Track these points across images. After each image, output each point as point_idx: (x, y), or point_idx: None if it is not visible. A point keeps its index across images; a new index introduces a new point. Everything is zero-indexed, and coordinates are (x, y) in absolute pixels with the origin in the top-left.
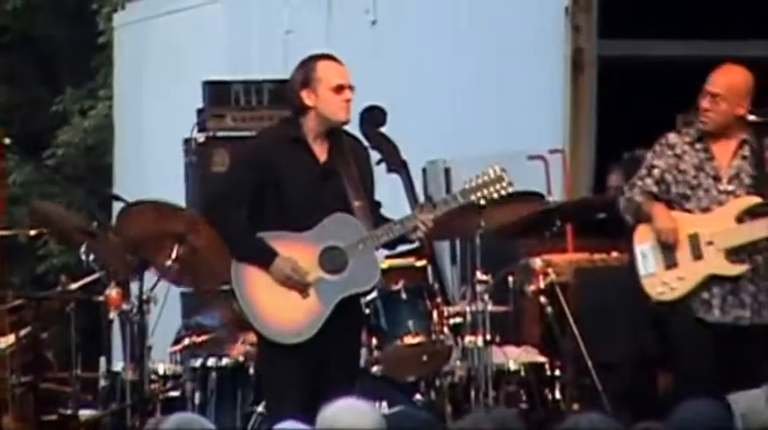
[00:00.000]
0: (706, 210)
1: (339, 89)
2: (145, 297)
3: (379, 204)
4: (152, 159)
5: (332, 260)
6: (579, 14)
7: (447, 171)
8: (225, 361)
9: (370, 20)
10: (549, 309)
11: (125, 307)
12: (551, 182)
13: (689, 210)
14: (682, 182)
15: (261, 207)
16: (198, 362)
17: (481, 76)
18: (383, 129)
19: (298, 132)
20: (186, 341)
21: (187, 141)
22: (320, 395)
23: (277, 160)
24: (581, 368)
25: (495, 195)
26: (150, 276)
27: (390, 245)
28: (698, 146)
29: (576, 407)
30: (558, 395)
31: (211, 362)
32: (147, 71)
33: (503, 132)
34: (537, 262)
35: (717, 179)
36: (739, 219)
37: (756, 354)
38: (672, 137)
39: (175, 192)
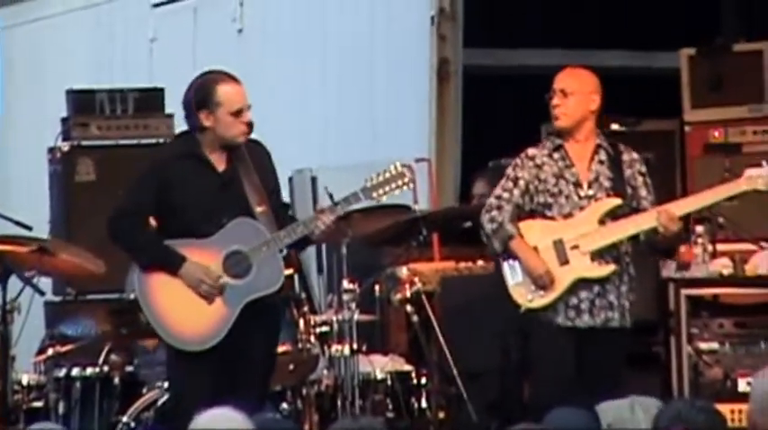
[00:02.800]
0: (568, 215)
1: (239, 113)
2: (8, 306)
3: (286, 206)
4: (18, 169)
5: (236, 264)
6: (445, 24)
7: (314, 180)
8: (89, 371)
9: (237, 28)
10: (415, 318)
11: None
12: (417, 191)
13: (552, 218)
14: (543, 191)
15: (164, 224)
16: (62, 373)
17: (348, 84)
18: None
19: (194, 147)
20: (50, 351)
21: (51, 150)
22: (230, 401)
23: (175, 176)
24: (447, 376)
25: (397, 192)
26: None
27: (295, 245)
28: (556, 155)
29: (441, 415)
30: (423, 403)
31: (75, 372)
32: (11, 80)
33: (370, 141)
34: (403, 271)
35: (577, 185)
36: (601, 222)
37: (620, 358)
38: (531, 150)
39: (42, 202)
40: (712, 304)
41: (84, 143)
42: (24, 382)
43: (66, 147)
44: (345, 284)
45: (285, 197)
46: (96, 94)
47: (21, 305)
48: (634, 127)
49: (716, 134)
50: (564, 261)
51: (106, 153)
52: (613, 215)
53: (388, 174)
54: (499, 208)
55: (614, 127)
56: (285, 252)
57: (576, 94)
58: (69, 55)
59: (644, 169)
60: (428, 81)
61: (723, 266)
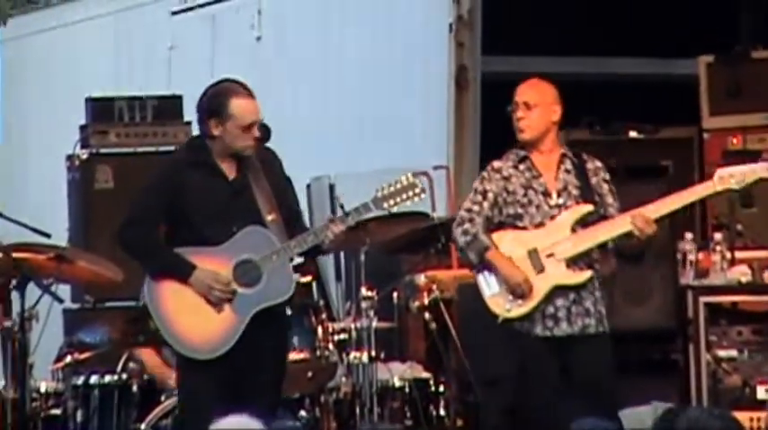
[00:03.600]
0: (540, 225)
1: (249, 127)
2: (26, 314)
3: (298, 213)
4: (36, 176)
5: (246, 273)
6: (463, 31)
7: (332, 187)
8: (107, 378)
9: (255, 36)
10: (433, 325)
11: (6, 324)
12: (435, 198)
13: (523, 228)
14: (512, 203)
15: (174, 232)
16: (80, 380)
17: (366, 91)
18: (268, 145)
19: (204, 154)
20: (68, 358)
21: (70, 158)
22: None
23: (186, 183)
24: (465, 383)
25: (409, 202)
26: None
27: (306, 254)
28: (521, 167)
29: (460, 423)
30: (442, 411)
31: (94, 379)
32: (30, 87)
33: (387, 148)
34: (421, 278)
35: (546, 194)
36: (573, 229)
37: (605, 362)
38: (496, 163)
39: (60, 210)
40: (731, 312)
41: (103, 151)
42: (42, 390)
43: (84, 154)
44: (363, 292)
45: (303, 204)
46: (115, 102)
47: (39, 312)
48: (652, 134)
49: (734, 141)
50: (540, 269)
51: (124, 160)
52: (584, 222)
53: (399, 185)
54: (471, 220)
55: (632, 134)
56: (303, 259)
57: (538, 105)
58: (88, 62)
59: (608, 177)
60: (446, 88)
61: (741, 274)
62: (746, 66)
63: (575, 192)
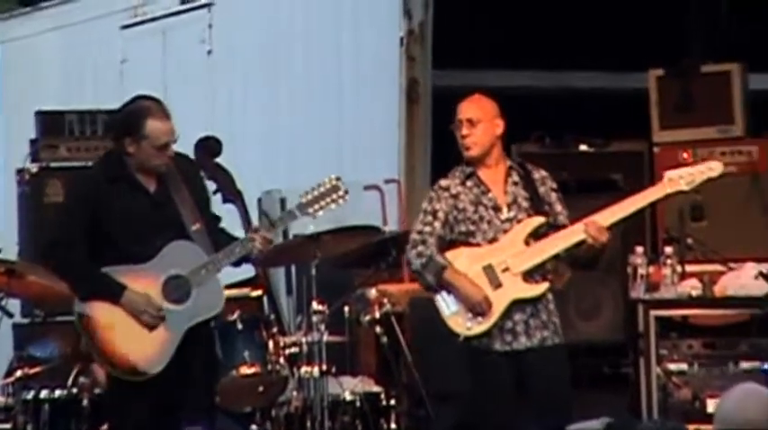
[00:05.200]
0: (493, 240)
1: (164, 147)
2: None
3: (218, 219)
4: None
5: (175, 289)
6: (414, 45)
7: (283, 201)
8: (58, 393)
9: (206, 49)
10: (384, 339)
11: None
12: (387, 212)
13: (476, 245)
14: (463, 220)
15: (98, 247)
16: (30, 395)
17: (317, 105)
18: (218, 159)
19: (122, 168)
20: (18, 373)
21: (20, 172)
22: (173, 426)
23: (105, 198)
24: (416, 398)
25: (333, 206)
26: None
27: (235, 264)
28: (469, 183)
29: None
30: (393, 425)
31: (44, 394)
32: None
33: (339, 162)
34: (372, 292)
35: (497, 209)
36: (527, 242)
37: (562, 374)
38: (443, 181)
39: (10, 224)
40: (681, 325)
41: (53, 164)
42: None
43: (34, 168)
44: (315, 305)
45: (254, 218)
46: (65, 116)
47: None
48: (603, 148)
49: (685, 155)
50: (497, 285)
51: (75, 175)
52: (536, 234)
53: (322, 189)
54: (424, 242)
55: (582, 148)
56: (255, 273)
57: (482, 121)
58: (39, 77)
59: (555, 185)
60: (397, 102)
61: (692, 287)
62: (696, 79)
63: (524, 203)
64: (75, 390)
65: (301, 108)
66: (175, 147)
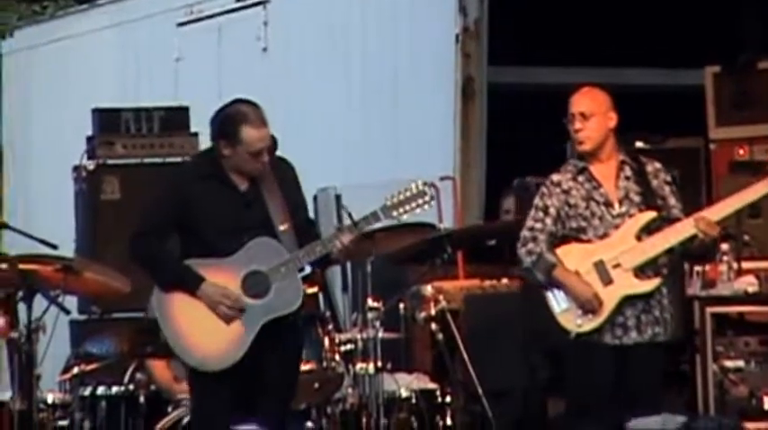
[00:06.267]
0: (604, 236)
1: (258, 153)
2: (33, 325)
3: (312, 222)
4: (41, 187)
5: (255, 285)
6: (469, 42)
7: (338, 198)
8: (114, 389)
9: (261, 47)
10: (439, 336)
11: (13, 335)
12: (442, 209)
13: (588, 241)
14: (575, 216)
15: (185, 243)
16: (87, 391)
17: (372, 103)
18: (282, 155)
19: (215, 166)
20: (75, 369)
21: (77, 169)
22: (250, 421)
23: (196, 195)
24: (471, 394)
25: (418, 210)
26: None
27: (315, 264)
28: (581, 178)
29: None
30: (449, 422)
31: (101, 390)
32: (36, 98)
33: (394, 159)
34: (428, 289)
35: (608, 205)
36: (638, 237)
37: (661, 371)
38: (555, 176)
39: (67, 221)
40: (738, 322)
41: (110, 162)
42: (50, 401)
43: (91, 165)
44: (370, 302)
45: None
46: (122, 113)
47: (46, 324)
48: (659, 144)
49: (741, 152)
50: (608, 281)
51: (131, 171)
52: (648, 229)
53: (408, 193)
54: (534, 239)
55: (639, 144)
56: (310, 270)
57: (595, 115)
58: (95, 74)
59: (669, 178)
60: (453, 99)
61: (748, 284)
62: (752, 76)
63: (636, 198)
64: (131, 387)
65: (357, 105)
66: None
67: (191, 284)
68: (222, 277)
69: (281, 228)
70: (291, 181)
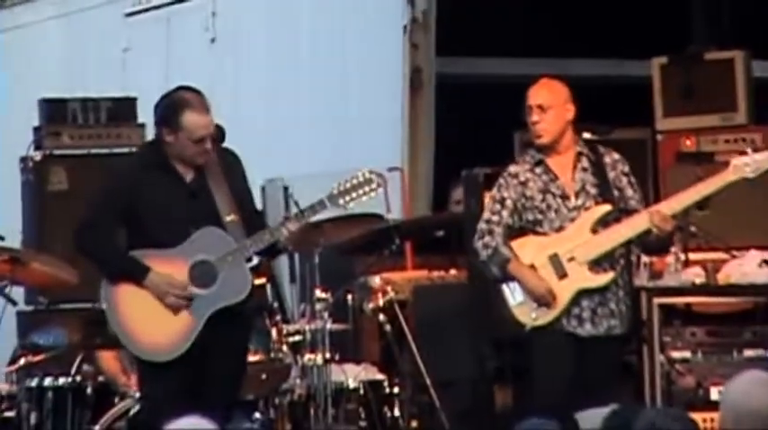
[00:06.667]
0: (560, 229)
1: (200, 140)
2: None
3: (259, 213)
4: None
5: (202, 274)
6: (417, 33)
7: (286, 188)
8: (62, 380)
9: (209, 37)
10: (387, 327)
11: None
12: (390, 200)
13: (544, 234)
14: (531, 208)
15: (132, 234)
16: (34, 382)
17: (320, 93)
18: (227, 146)
19: (161, 157)
20: (22, 361)
21: (23, 160)
22: (200, 411)
23: (142, 185)
24: (420, 385)
25: (365, 198)
26: None
27: (263, 253)
28: (538, 170)
29: (414, 424)
30: (396, 412)
31: (48, 381)
32: None
33: (342, 150)
34: (376, 280)
35: (564, 197)
36: (594, 230)
37: (618, 364)
38: (512, 168)
39: (14, 212)
40: (685, 313)
41: (57, 152)
42: None
43: (38, 156)
44: (318, 293)
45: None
46: (69, 104)
47: None
48: (606, 135)
49: (688, 143)
50: (562, 275)
51: (78, 162)
52: (604, 222)
53: (355, 181)
54: (490, 232)
55: (586, 135)
56: (258, 261)
57: (553, 107)
58: (42, 64)
59: (627, 169)
60: (401, 90)
61: (695, 275)
62: (700, 67)
63: (593, 191)
64: (78, 378)
65: (305, 96)
66: None
67: (137, 275)
68: (169, 267)
69: (228, 218)
70: (237, 171)
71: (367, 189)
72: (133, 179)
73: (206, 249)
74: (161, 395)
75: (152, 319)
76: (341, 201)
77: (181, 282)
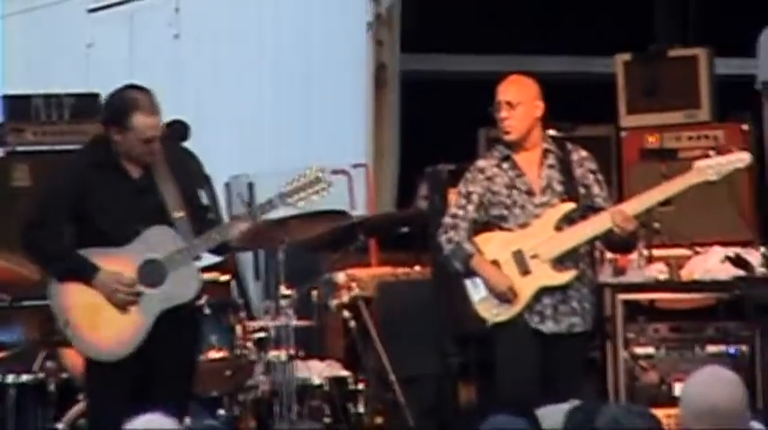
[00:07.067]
0: (525, 225)
1: (148, 140)
2: None
3: (206, 209)
4: None
5: (151, 273)
6: (382, 29)
7: (251, 185)
8: (24, 377)
9: (173, 33)
10: (352, 324)
11: None
12: (355, 196)
13: (509, 229)
14: (497, 203)
15: (79, 233)
16: None
17: (285, 90)
18: (186, 144)
19: (108, 154)
20: None
21: None
22: (150, 409)
23: (90, 183)
24: (384, 382)
25: (315, 197)
26: None
27: (213, 252)
28: (505, 165)
29: (379, 420)
30: (361, 409)
31: (10, 378)
32: None
33: (307, 146)
34: (340, 276)
35: (530, 193)
36: (558, 228)
37: (580, 362)
38: (480, 162)
39: None
40: (648, 309)
41: (20, 148)
42: None
43: (0, 152)
44: (282, 290)
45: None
46: (32, 100)
47: None
48: (570, 132)
49: (651, 140)
50: (525, 271)
51: (42, 158)
52: (569, 219)
53: (304, 179)
54: (455, 227)
55: (550, 132)
56: (222, 258)
57: (521, 104)
58: (4, 60)
59: (594, 166)
60: (365, 86)
61: (659, 271)
62: (663, 64)
63: (559, 188)
64: (41, 375)
65: (270, 92)
66: None
67: (85, 274)
68: (117, 266)
69: (177, 215)
70: (184, 167)
71: (317, 188)
72: (80, 177)
73: (155, 248)
74: (109, 395)
75: (101, 319)
76: (291, 200)
77: (129, 279)
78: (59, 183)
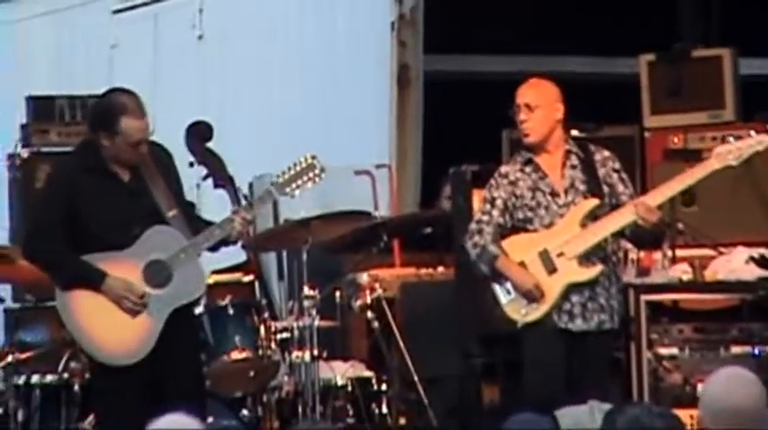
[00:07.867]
0: (550, 225)
1: (136, 144)
2: None
3: (192, 205)
4: None
5: (156, 274)
6: (405, 30)
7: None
8: (49, 378)
9: (197, 34)
10: (375, 324)
11: None
12: (378, 197)
13: (535, 231)
14: (521, 207)
15: (78, 237)
16: (21, 380)
17: (308, 91)
18: (209, 144)
19: (97, 158)
20: (9, 358)
21: (11, 157)
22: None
23: (81, 188)
24: (407, 382)
25: (310, 184)
26: None
27: (214, 248)
28: (527, 169)
29: (402, 421)
30: (384, 409)
31: (35, 379)
32: None
33: (330, 147)
34: (364, 277)
35: (554, 194)
36: (583, 225)
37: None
38: (503, 168)
39: (1, 209)
40: (672, 310)
41: (44, 149)
42: None
43: (25, 153)
44: (306, 290)
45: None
46: (56, 101)
47: None
48: (594, 133)
49: (675, 140)
50: (552, 269)
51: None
52: (594, 216)
53: (298, 168)
54: (480, 232)
55: (574, 133)
56: (246, 258)
57: (541, 107)
58: (29, 61)
59: (617, 165)
60: (389, 87)
61: (682, 272)
62: (687, 64)
63: (582, 187)
64: (65, 376)
65: (293, 93)
66: (167, 133)
67: (94, 280)
68: (122, 270)
69: (170, 214)
70: (170, 166)
71: (311, 175)
72: (71, 184)
73: (157, 248)
74: (121, 399)
75: (111, 324)
76: (287, 190)
77: (139, 289)
78: (51, 191)
